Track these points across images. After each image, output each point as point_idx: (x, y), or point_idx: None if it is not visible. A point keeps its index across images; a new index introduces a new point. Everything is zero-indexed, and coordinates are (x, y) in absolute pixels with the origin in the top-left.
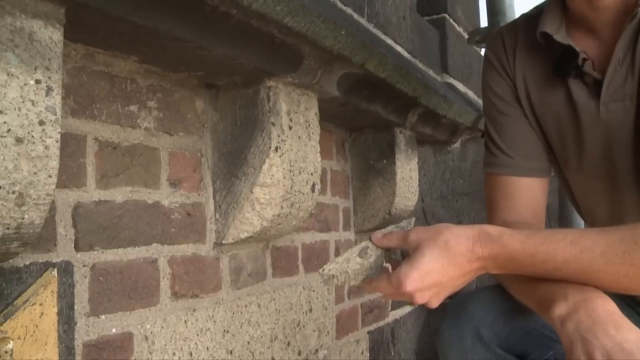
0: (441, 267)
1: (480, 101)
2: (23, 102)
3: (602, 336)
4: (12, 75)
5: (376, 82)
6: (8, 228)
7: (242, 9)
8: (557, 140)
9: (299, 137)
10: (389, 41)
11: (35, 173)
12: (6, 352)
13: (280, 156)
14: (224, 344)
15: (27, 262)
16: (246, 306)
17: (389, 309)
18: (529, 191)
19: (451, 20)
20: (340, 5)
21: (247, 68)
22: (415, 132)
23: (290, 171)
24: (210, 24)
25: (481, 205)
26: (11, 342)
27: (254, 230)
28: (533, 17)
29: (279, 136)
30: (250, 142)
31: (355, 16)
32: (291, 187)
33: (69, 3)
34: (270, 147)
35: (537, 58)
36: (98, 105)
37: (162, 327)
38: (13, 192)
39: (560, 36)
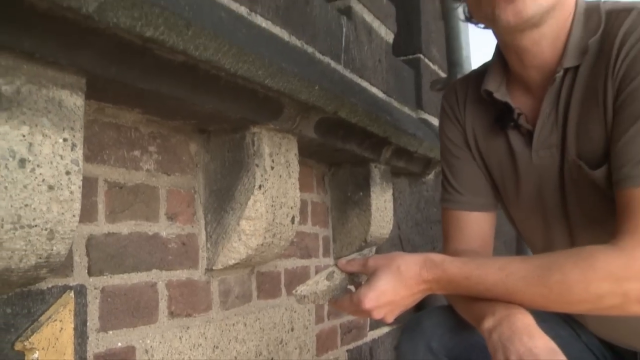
0: (393, 288)
1: None
2: (54, 156)
3: (517, 343)
4: (46, 135)
5: (349, 126)
6: (40, 258)
7: (229, 73)
8: (499, 180)
9: (280, 176)
10: (365, 84)
11: (62, 213)
12: None
13: (263, 193)
14: (214, 358)
15: (49, 285)
16: (234, 325)
17: (368, 329)
18: (477, 224)
19: (426, 60)
20: (318, 55)
21: (234, 118)
22: (390, 166)
23: (272, 206)
24: (202, 85)
25: None
26: (37, 352)
27: (241, 258)
28: (480, 73)
29: (262, 175)
30: (237, 181)
31: (333, 64)
32: (273, 220)
33: (89, 75)
34: (254, 186)
35: (482, 110)
36: (107, 152)
37: (160, 342)
38: (45, 229)
39: (500, 94)
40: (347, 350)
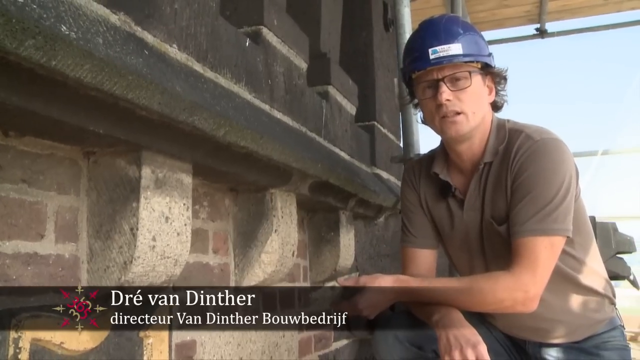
0: (376, 296)
1: (398, 184)
2: (179, 214)
3: (453, 329)
4: (176, 202)
5: (331, 186)
6: (167, 277)
7: (266, 156)
8: (441, 229)
9: (287, 223)
10: (337, 150)
11: (182, 250)
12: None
13: (277, 235)
14: (238, 352)
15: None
16: (249, 330)
17: (332, 340)
18: (425, 257)
19: (379, 126)
20: (309, 133)
21: (260, 183)
22: (353, 212)
23: (282, 244)
24: (254, 166)
25: (398, 264)
26: (151, 338)
27: (259, 280)
28: (430, 158)
29: (276, 223)
30: (259, 226)
31: (317, 138)
32: (282, 254)
33: (194, 163)
34: (272, 230)
35: (431, 183)
36: None
37: (209, 339)
38: (174, 260)
39: (443, 175)
40: (318, 355)
